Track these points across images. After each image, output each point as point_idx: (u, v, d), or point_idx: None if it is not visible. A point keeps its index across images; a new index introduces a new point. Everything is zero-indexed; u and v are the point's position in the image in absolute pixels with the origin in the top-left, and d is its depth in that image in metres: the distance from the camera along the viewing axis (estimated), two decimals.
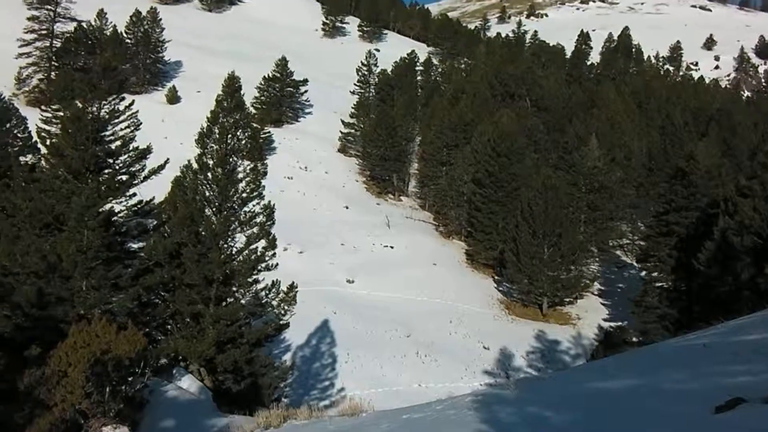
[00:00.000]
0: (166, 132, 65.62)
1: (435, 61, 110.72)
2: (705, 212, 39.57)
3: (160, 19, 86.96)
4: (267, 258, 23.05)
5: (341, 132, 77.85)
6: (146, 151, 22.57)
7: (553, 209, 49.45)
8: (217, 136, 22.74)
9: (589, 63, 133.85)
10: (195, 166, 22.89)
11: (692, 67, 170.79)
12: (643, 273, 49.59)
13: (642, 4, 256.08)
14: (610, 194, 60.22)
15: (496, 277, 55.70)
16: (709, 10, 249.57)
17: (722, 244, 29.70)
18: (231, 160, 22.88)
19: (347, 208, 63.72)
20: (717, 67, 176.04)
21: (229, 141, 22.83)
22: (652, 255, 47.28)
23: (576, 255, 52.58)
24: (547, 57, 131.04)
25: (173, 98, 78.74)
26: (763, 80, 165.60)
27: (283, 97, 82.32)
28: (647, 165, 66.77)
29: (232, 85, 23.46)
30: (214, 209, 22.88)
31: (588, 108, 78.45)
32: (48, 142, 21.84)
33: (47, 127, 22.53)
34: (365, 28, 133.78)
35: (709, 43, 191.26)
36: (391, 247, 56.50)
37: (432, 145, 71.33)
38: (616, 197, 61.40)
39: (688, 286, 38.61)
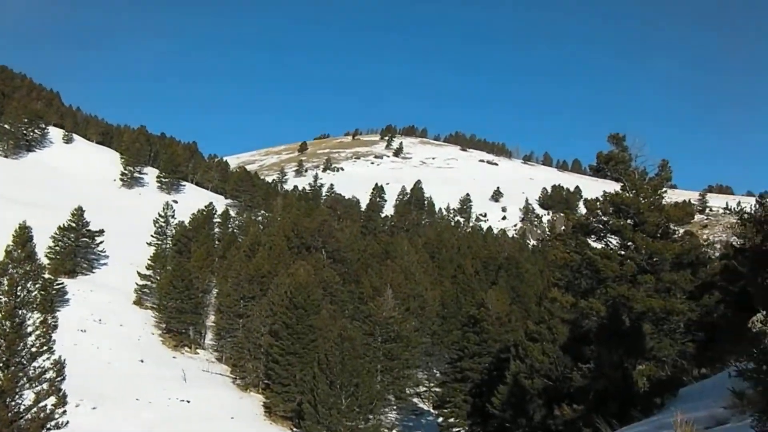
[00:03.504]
0: None
1: (233, 213, 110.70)
2: (497, 357, 41.07)
3: None
4: (57, 416, 22.44)
5: (137, 284, 74.69)
6: None
7: (350, 359, 49.20)
8: (6, 287, 22.29)
9: (383, 215, 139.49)
10: None
11: (481, 218, 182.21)
12: (441, 419, 50.10)
13: (433, 159, 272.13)
14: (406, 343, 61.07)
15: (294, 429, 54.14)
16: (496, 164, 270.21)
17: (514, 387, 30.55)
18: (20, 312, 22.33)
19: (142, 361, 60.04)
20: (504, 218, 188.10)
21: (18, 293, 22.38)
22: (449, 401, 48.07)
23: (374, 404, 52.15)
24: (343, 210, 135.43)
25: None
26: (547, 229, 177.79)
27: (78, 247, 78.11)
28: (441, 313, 68.82)
29: (23, 234, 23.50)
30: (1, 364, 21.98)
31: (383, 259, 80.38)
32: None
33: None
34: (163, 179, 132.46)
35: (497, 195, 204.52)
36: (188, 402, 53.33)
37: (229, 298, 69.82)
38: (412, 346, 62.33)
39: (484, 430, 39.14)
